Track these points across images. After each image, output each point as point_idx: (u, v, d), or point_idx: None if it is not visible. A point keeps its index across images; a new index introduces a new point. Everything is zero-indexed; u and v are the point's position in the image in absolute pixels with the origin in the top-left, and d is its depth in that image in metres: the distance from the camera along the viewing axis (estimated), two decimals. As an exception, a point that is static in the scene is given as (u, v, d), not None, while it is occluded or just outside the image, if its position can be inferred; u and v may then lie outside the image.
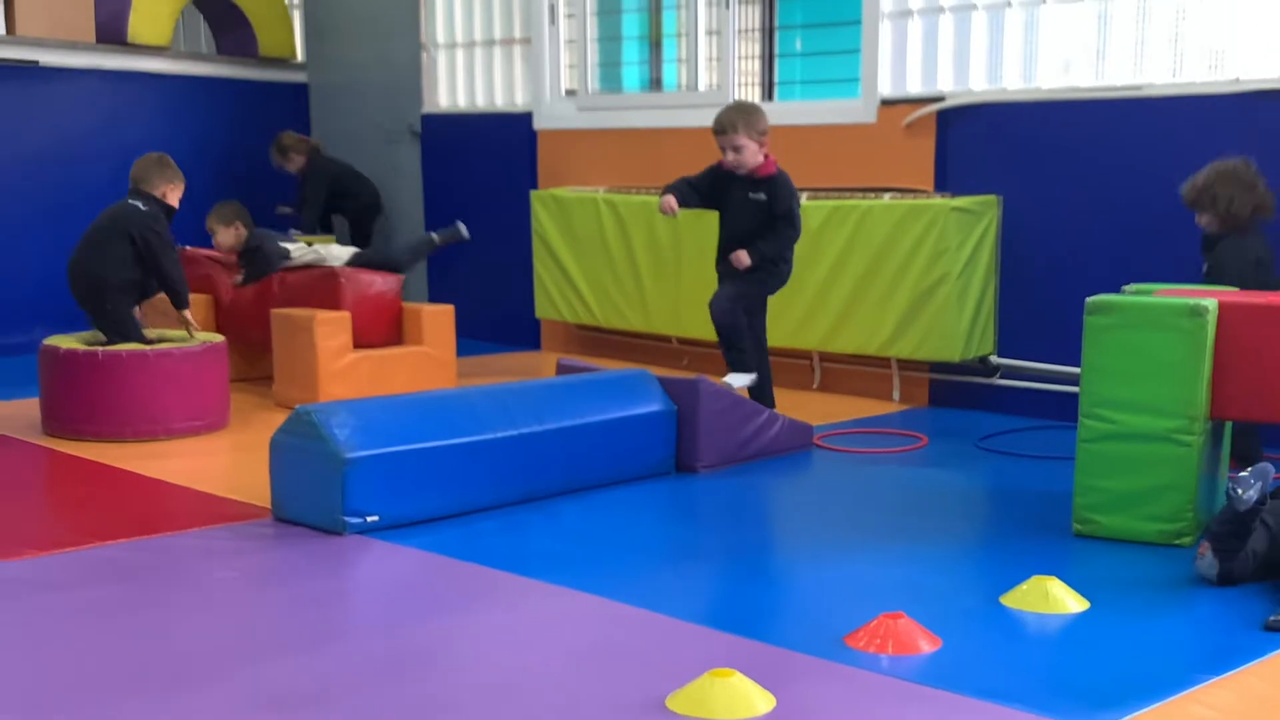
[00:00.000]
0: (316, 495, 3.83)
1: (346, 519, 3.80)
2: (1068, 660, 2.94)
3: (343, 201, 7.98)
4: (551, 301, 7.20)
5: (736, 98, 6.65)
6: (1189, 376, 3.66)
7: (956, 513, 4.32)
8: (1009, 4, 5.56)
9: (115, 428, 5.06)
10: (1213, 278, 4.51)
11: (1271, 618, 3.10)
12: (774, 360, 6.33)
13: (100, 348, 5.12)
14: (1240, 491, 3.28)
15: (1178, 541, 3.70)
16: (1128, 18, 5.29)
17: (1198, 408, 3.68)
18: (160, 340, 5.33)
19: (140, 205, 5.33)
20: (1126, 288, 4.14)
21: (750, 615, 3.22)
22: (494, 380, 6.13)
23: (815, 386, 6.22)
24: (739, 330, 5.12)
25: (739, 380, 5.10)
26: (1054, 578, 3.24)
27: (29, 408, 5.48)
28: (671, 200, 5.09)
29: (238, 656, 2.93)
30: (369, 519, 3.83)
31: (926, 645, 2.93)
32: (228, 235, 6.34)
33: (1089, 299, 3.79)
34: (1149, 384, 3.70)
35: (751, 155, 5.04)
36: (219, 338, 5.42)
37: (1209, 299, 3.72)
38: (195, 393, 5.19)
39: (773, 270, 5.17)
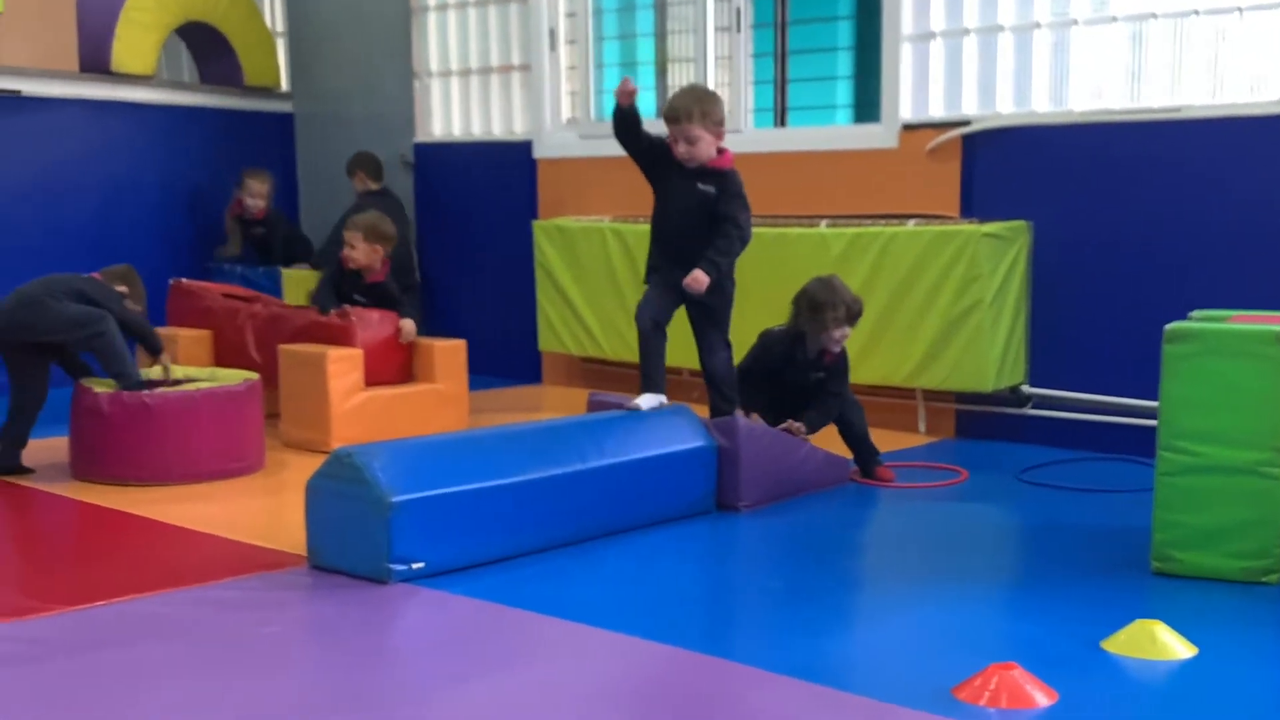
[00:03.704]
0: (359, 541, 3.61)
1: (392, 566, 3.58)
2: (1196, 713, 2.74)
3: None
4: (555, 334, 7.01)
5: (743, 125, 6.52)
6: (1275, 406, 3.52)
7: (1021, 550, 4.16)
8: (1038, 25, 5.45)
9: (155, 472, 4.80)
10: (839, 384, 4.88)
11: None
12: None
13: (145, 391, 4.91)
14: None
15: (1264, 579, 3.54)
16: (1163, 39, 5.18)
17: (1283, 438, 3.53)
18: (190, 380, 5.09)
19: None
20: (1194, 314, 4.00)
21: (841, 664, 3.03)
22: (507, 417, 5.96)
23: (837, 418, 6.04)
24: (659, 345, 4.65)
25: (649, 401, 4.59)
26: (1158, 621, 3.08)
27: (47, 451, 5.18)
28: (631, 84, 4.55)
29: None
30: (414, 566, 3.61)
31: (1042, 698, 2.75)
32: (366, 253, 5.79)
33: (1167, 326, 3.64)
34: (1232, 414, 3.55)
35: (705, 148, 4.56)
36: (255, 375, 5.17)
37: (1290, 325, 3.59)
38: (235, 435, 4.95)
39: (723, 287, 4.67)
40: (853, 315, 4.80)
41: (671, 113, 4.55)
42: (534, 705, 2.78)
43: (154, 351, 5.16)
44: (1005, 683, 2.75)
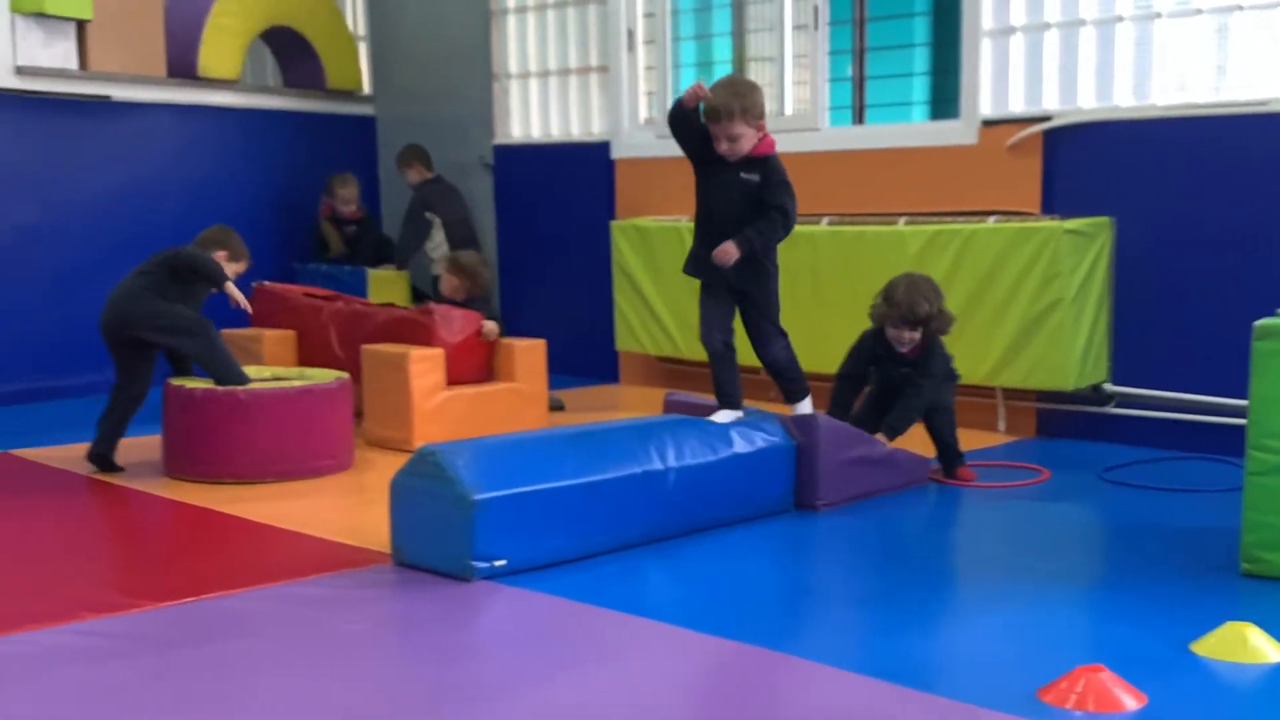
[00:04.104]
0: (443, 539, 3.65)
1: (474, 564, 3.62)
2: (1287, 716, 2.72)
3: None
4: (633, 333, 7.04)
5: (820, 124, 6.49)
6: (1367, 405, 3.45)
7: (1105, 551, 4.11)
8: (1120, 19, 5.38)
9: (249, 469, 4.88)
10: (921, 377, 4.82)
11: None
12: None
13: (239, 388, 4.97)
14: None
15: (1358, 581, 3.48)
16: (1249, 31, 5.09)
17: (1375, 438, 3.46)
18: (280, 379, 5.16)
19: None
20: (1283, 311, 3.93)
21: (923, 665, 3.02)
22: (586, 416, 5.99)
23: (917, 417, 6.01)
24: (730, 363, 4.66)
25: (727, 416, 4.57)
26: (1249, 624, 3.03)
27: (139, 449, 5.30)
28: (704, 91, 4.46)
29: (391, 717, 2.75)
30: (497, 563, 3.65)
31: (1130, 701, 2.71)
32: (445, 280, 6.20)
33: (1256, 323, 3.58)
34: (1323, 413, 3.49)
35: (747, 144, 4.47)
36: (346, 374, 5.24)
37: (1383, 322, 3.51)
38: (327, 433, 5.03)
39: (767, 271, 4.59)
40: (907, 320, 4.73)
41: (712, 113, 4.47)
42: (614, 702, 2.80)
43: (216, 282, 5.14)
44: (1092, 685, 2.72)
